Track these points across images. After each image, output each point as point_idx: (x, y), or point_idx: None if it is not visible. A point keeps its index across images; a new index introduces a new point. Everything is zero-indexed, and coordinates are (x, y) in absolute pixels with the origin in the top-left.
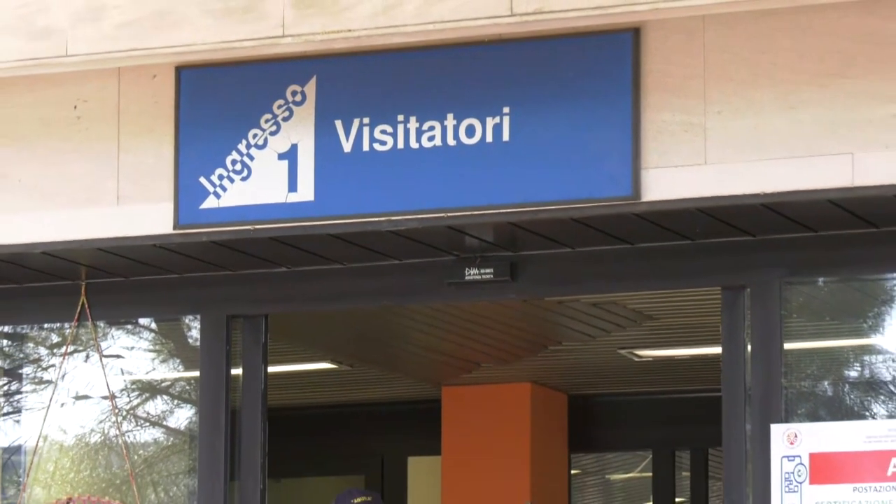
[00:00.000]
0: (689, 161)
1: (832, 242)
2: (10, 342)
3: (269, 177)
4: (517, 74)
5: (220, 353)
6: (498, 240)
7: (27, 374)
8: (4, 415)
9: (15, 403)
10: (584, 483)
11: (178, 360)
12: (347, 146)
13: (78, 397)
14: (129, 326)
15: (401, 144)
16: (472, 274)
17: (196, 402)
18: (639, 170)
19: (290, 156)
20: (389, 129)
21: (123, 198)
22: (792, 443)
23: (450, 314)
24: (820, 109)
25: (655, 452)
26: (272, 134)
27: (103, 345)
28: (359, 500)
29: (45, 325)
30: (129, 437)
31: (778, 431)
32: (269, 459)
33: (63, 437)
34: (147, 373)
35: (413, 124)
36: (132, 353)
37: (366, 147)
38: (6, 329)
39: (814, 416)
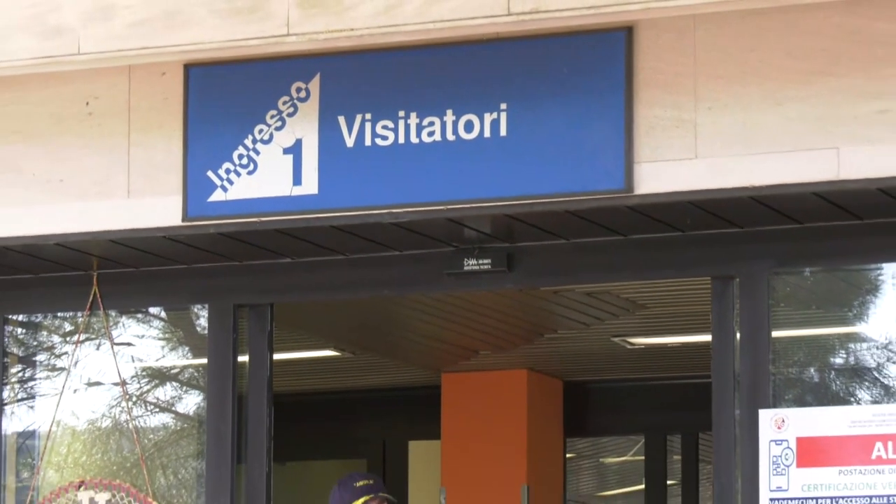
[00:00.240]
0: (680, 155)
1: (818, 234)
2: (24, 330)
3: (275, 171)
4: (514, 72)
5: (227, 341)
6: (495, 231)
7: (41, 362)
8: (19, 401)
9: (29, 390)
10: (579, 466)
11: (186, 348)
12: (350, 141)
13: (90, 384)
14: (140, 315)
15: (401, 139)
16: (471, 264)
17: (204, 389)
18: (631, 164)
19: (295, 150)
20: (391, 124)
21: (134, 191)
22: (779, 427)
23: (449, 303)
24: (806, 106)
25: (648, 437)
26: (277, 129)
27: (114, 333)
28: (361, 482)
29: (59, 314)
30: (139, 422)
31: (766, 416)
32: (275, 444)
33: (76, 422)
34: (157, 360)
35: (413, 120)
36: (142, 341)
37: (368, 142)
38: (21, 318)
39: (801, 402)
